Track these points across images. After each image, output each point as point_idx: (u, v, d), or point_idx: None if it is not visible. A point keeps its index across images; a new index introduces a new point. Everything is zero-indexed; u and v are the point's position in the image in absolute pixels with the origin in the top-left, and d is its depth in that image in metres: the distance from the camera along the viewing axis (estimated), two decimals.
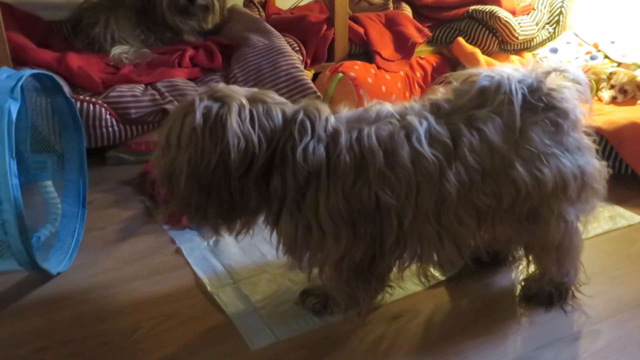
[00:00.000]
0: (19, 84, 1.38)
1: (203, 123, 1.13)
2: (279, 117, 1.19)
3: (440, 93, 1.31)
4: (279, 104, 1.23)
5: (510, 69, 1.29)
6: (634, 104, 2.30)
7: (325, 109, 1.25)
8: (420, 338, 1.36)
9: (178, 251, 1.68)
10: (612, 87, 2.34)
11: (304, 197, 1.20)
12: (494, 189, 1.22)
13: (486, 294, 1.50)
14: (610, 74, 2.42)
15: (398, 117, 1.23)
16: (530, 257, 1.43)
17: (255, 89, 1.25)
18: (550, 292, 1.43)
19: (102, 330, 1.38)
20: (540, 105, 1.25)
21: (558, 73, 1.30)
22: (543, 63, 1.32)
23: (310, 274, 1.33)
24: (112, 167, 2.14)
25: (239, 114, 1.15)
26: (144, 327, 1.39)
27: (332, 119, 1.23)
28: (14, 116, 1.33)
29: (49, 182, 1.67)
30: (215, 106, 1.15)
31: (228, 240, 1.72)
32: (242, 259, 1.63)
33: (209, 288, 1.51)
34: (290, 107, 1.24)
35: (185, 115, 1.17)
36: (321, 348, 1.33)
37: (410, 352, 1.32)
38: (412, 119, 1.22)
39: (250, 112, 1.17)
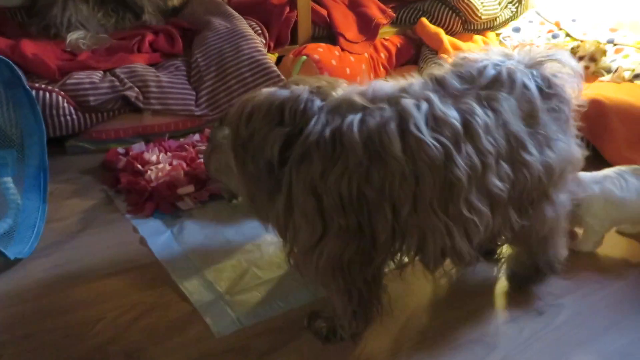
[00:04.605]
0: None
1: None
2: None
3: (443, 69, 1.23)
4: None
5: (508, 56, 1.25)
6: (594, 80, 2.33)
7: (306, 92, 1.16)
8: (385, 319, 1.36)
9: (141, 240, 1.65)
10: (580, 58, 2.36)
11: (278, 185, 1.16)
12: (508, 173, 1.16)
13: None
14: (573, 48, 2.43)
15: (392, 100, 1.14)
16: (516, 245, 1.38)
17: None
18: (537, 268, 1.41)
19: (64, 322, 1.36)
20: (548, 92, 1.23)
21: (553, 61, 1.28)
22: (533, 48, 1.29)
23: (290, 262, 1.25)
24: (72, 157, 2.09)
25: None
26: (107, 317, 1.37)
27: (314, 104, 1.15)
28: None
29: (9, 179, 1.62)
30: None
31: (192, 228, 1.69)
32: (207, 245, 1.62)
33: (173, 277, 1.49)
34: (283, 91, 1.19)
35: None
36: (287, 333, 1.32)
37: (373, 332, 1.32)
38: (408, 102, 1.12)
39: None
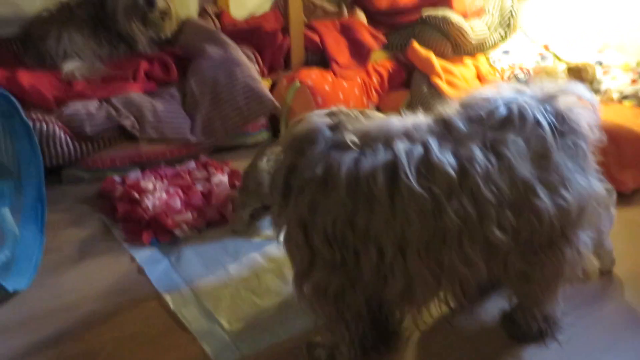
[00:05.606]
0: None
1: None
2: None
3: (452, 109, 1.19)
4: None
5: (520, 92, 1.20)
6: None
7: (323, 124, 1.16)
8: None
9: (139, 269, 1.66)
10: (590, 82, 2.39)
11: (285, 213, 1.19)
12: (511, 221, 1.11)
13: None
14: (572, 69, 2.46)
15: (388, 143, 1.11)
16: (523, 291, 1.30)
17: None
18: (539, 327, 1.36)
19: (63, 354, 1.36)
20: (562, 129, 1.17)
21: (568, 95, 1.23)
22: (545, 82, 1.24)
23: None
24: (69, 186, 2.10)
25: None
26: (107, 349, 1.37)
27: (323, 136, 1.14)
28: None
29: (6, 210, 1.63)
30: None
31: (190, 256, 1.70)
32: (205, 274, 1.62)
33: (171, 306, 1.50)
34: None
35: None
36: None
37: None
38: (400, 147, 1.09)
39: None
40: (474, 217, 1.09)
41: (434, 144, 1.10)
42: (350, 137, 1.12)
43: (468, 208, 1.08)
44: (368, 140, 1.12)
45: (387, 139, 1.12)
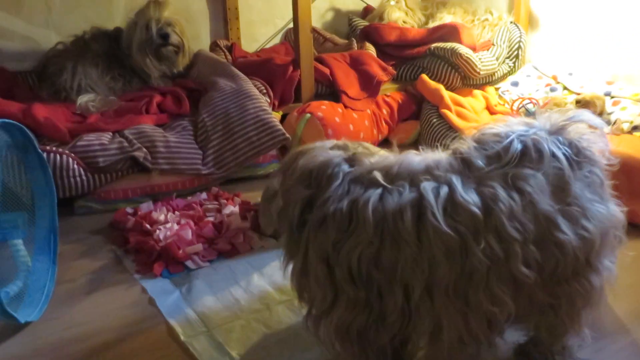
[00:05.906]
0: None
1: None
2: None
3: (469, 145, 1.18)
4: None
5: (529, 125, 1.20)
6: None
7: (339, 158, 1.17)
8: None
9: (150, 300, 1.66)
10: (600, 114, 2.40)
11: (297, 245, 1.18)
12: (536, 256, 1.10)
13: None
14: (580, 101, 2.47)
15: (414, 181, 1.11)
16: (549, 322, 1.26)
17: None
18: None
19: None
20: (578, 160, 1.17)
21: (576, 122, 1.23)
22: (552, 113, 1.24)
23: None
24: (81, 217, 2.12)
25: None
26: None
27: (341, 169, 1.14)
28: None
29: (19, 241, 1.64)
30: None
31: (201, 287, 1.70)
32: (216, 305, 1.62)
33: (182, 337, 1.49)
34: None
35: None
36: None
37: None
38: (427, 187, 1.09)
39: None
40: (500, 255, 1.07)
41: (457, 183, 1.09)
42: (378, 174, 1.12)
43: (494, 247, 1.07)
44: (391, 177, 1.12)
45: (411, 177, 1.11)
